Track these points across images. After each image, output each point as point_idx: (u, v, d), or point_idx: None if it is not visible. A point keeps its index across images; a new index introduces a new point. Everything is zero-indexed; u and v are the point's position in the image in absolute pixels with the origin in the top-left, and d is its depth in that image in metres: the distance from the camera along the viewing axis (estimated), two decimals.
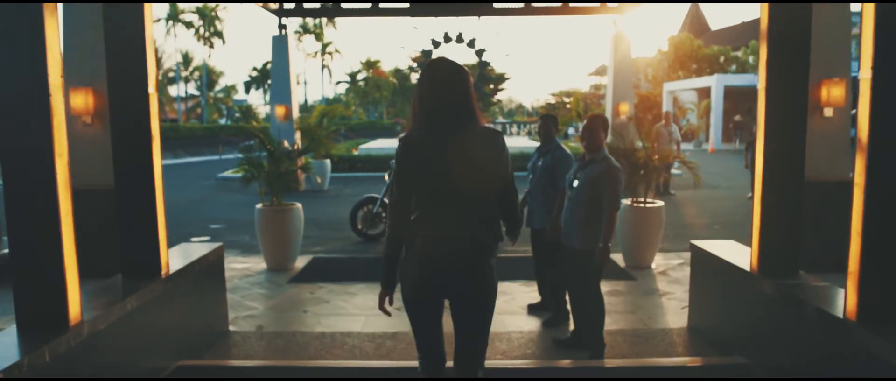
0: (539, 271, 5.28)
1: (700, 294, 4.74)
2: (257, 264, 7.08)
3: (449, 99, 2.34)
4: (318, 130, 14.08)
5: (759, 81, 3.77)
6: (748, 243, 4.06)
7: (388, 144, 23.44)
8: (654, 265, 6.79)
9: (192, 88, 52.26)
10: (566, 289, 4.53)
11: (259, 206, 6.83)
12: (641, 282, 6.19)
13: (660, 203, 6.82)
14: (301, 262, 7.16)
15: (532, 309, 5.32)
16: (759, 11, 3.75)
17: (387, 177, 8.58)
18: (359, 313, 5.31)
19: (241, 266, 7.02)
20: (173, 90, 50.11)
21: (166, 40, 58.47)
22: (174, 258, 4.32)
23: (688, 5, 55.56)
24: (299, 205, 6.96)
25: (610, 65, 13.89)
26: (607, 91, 14.45)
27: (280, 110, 13.99)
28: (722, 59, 39.17)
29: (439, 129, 2.32)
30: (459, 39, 21.31)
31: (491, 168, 2.35)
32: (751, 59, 37.74)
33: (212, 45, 44.59)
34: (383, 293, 2.55)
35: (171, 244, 4.34)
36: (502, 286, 6.01)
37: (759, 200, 3.81)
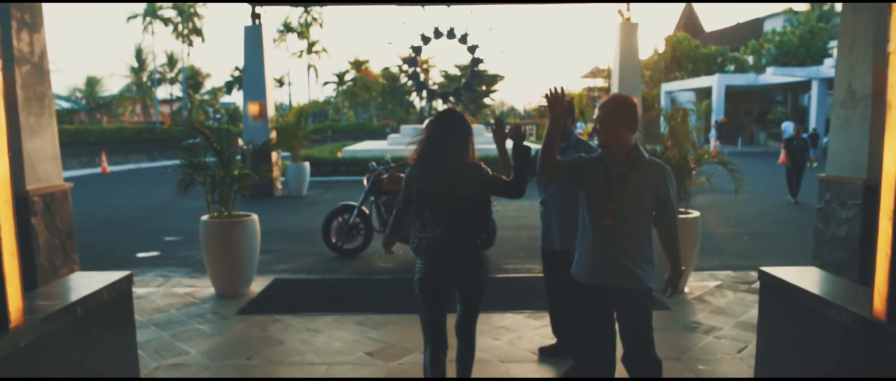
0: (553, 303, 4.06)
1: (775, 339, 3.52)
2: (205, 288, 5.81)
3: (453, 141, 2.99)
4: (295, 129, 12.81)
5: (891, 72, 2.60)
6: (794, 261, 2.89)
7: (376, 146, 22.18)
8: (687, 289, 5.59)
9: (177, 91, 50.67)
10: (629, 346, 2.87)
11: (204, 218, 5.55)
12: (677, 312, 4.97)
13: (695, 213, 5.62)
14: (259, 284, 5.90)
15: (545, 354, 4.08)
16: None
17: (365, 182, 7.33)
18: (319, 361, 4.05)
19: (185, 291, 5.74)
20: (160, 92, 48.61)
21: (144, 37, 56.83)
22: (48, 298, 3.07)
23: (682, 6, 54.67)
24: (254, 216, 5.69)
25: (615, 56, 12.70)
26: (612, 86, 13.28)
27: (253, 108, 12.70)
28: (719, 59, 38.15)
29: (442, 161, 2.99)
30: (451, 35, 20.16)
31: (476, 191, 3.00)
32: (750, 59, 36.77)
33: (191, 43, 42.97)
34: (385, 246, 3.32)
35: (107, 264, 3.10)
36: (505, 321, 4.79)
37: (889, 219, 2.61)
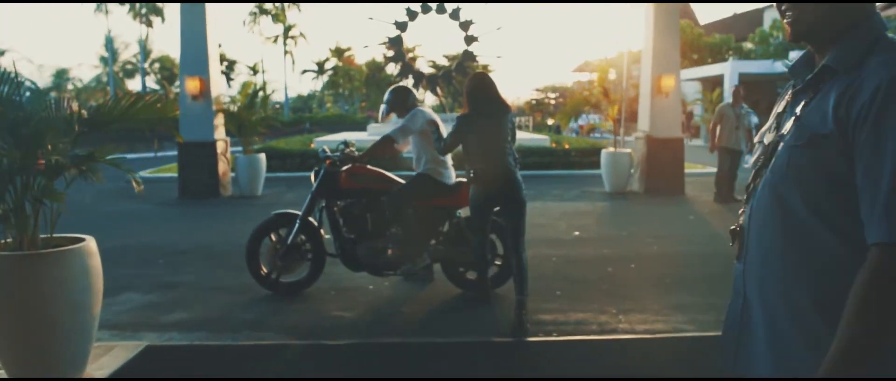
0: None
1: None
2: None
3: (489, 94, 4.10)
4: (246, 113, 10.20)
5: None
6: None
7: (354, 137, 19.51)
8: None
9: (152, 82, 47.69)
10: None
11: None
12: None
13: None
14: (114, 358, 3.34)
15: None
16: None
17: (313, 178, 4.76)
18: None
19: None
20: (134, 84, 45.62)
21: (96, 18, 53.40)
22: None
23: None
24: (89, 241, 3.11)
25: (647, 23, 10.27)
26: (644, 60, 10.87)
27: (192, 85, 9.99)
28: (724, 48, 36.17)
29: (485, 110, 4.05)
30: (441, 10, 17.68)
31: (510, 130, 4.12)
32: (756, 48, 34.74)
33: (150, 24, 39.87)
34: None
35: None
36: None
37: None
